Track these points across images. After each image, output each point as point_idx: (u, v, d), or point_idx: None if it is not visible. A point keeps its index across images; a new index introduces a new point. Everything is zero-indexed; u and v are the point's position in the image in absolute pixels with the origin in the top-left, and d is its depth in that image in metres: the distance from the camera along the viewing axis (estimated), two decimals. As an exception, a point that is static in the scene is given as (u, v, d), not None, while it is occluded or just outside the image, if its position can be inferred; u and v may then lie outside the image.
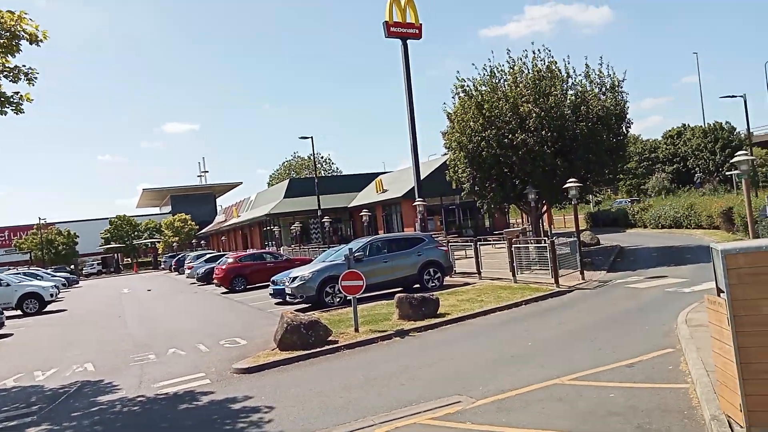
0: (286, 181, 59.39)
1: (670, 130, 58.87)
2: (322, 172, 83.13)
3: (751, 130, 43.01)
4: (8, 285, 24.38)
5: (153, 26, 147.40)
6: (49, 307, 24.95)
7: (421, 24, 30.59)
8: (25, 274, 33.61)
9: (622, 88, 21.51)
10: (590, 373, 7.64)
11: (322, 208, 42.89)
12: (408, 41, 30.30)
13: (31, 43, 10.00)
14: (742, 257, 4.93)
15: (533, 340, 10.11)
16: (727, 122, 54.59)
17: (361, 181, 52.79)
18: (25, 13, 9.75)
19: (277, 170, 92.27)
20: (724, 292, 5.06)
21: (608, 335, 9.83)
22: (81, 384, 10.19)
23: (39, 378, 11.03)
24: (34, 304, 24.18)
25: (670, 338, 9.00)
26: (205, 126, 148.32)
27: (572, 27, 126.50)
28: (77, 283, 49.76)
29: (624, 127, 21.86)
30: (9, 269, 39.76)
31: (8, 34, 9.75)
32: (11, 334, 17.89)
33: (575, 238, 17.64)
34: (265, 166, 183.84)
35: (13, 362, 12.98)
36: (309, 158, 78.24)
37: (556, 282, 15.61)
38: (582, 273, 16.80)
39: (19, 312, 23.65)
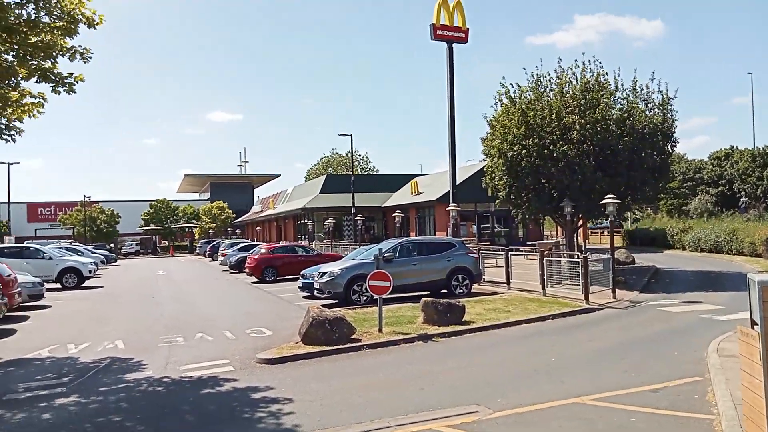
0: (323, 177, 59.89)
1: (717, 152, 57.05)
2: (359, 170, 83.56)
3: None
4: (50, 258, 25.29)
5: (203, 16, 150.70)
6: (87, 283, 25.80)
7: (468, 28, 30.36)
8: (66, 248, 34.79)
9: (671, 105, 21.03)
10: (613, 394, 7.50)
11: (356, 205, 43.10)
12: (454, 45, 30.13)
13: (88, 27, 10.36)
14: (779, 290, 4.78)
15: (558, 355, 9.98)
16: (778, 147, 52.59)
17: (396, 181, 52.86)
18: (85, -3, 10.11)
19: (315, 165, 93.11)
20: (758, 324, 4.92)
21: (635, 357, 9.63)
22: (111, 360, 10.53)
23: (72, 351, 11.44)
24: (73, 278, 25.03)
25: (700, 366, 8.77)
26: (248, 117, 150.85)
27: (623, 39, 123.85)
28: (115, 261, 51.23)
29: (670, 146, 21.36)
30: (53, 242, 41.16)
31: (68, 17, 10.14)
32: (50, 306, 18.59)
33: (609, 256, 17.31)
34: (303, 161, 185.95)
35: (50, 333, 13.50)
36: (347, 155, 78.77)
37: (587, 299, 15.36)
38: (614, 291, 16.49)
39: (58, 285, 24.53)
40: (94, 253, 40.57)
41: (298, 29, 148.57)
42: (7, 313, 14.70)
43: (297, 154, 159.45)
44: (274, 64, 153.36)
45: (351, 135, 43.04)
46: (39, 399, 8.20)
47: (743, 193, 51.50)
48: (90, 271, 26.22)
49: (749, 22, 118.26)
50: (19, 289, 16.76)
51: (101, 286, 25.76)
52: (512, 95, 21.25)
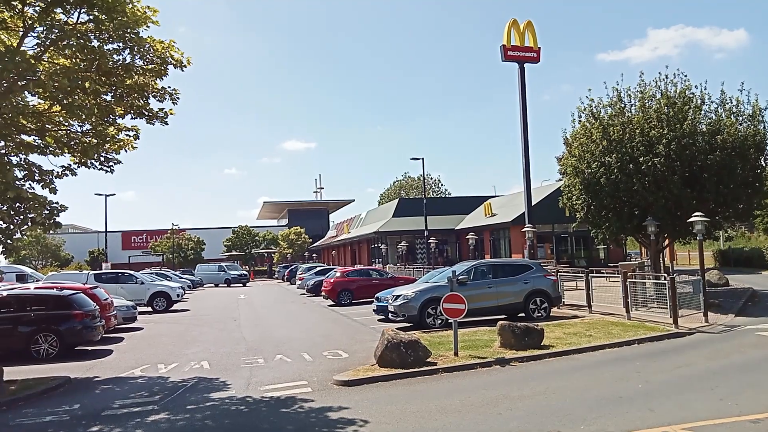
0: (396, 201, 60.41)
1: (821, 163, 52.79)
2: (431, 193, 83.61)
3: None
4: (143, 283, 27.00)
5: (274, 51, 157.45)
6: (174, 307, 27.22)
7: (540, 47, 30.14)
8: (156, 274, 36.90)
9: (763, 116, 19.76)
10: (707, 424, 7.04)
11: (429, 228, 43.06)
12: (525, 65, 29.92)
13: (176, 68, 11.18)
14: None
15: (644, 381, 9.48)
16: None
17: (469, 203, 52.44)
18: (174, 42, 10.92)
19: (388, 189, 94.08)
20: None
21: (731, 385, 8.99)
22: (197, 379, 11.04)
23: (162, 370, 12.09)
24: (162, 302, 26.51)
25: (807, 396, 8.06)
26: (322, 144, 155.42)
27: (702, 51, 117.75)
28: (201, 286, 53.65)
29: (763, 159, 20.02)
30: (150, 270, 43.82)
31: (159, 60, 10.99)
32: (141, 328, 19.74)
33: (699, 277, 16.32)
34: (375, 186, 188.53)
35: (142, 354, 14.33)
36: (419, 179, 79.09)
37: (675, 322, 14.51)
38: (705, 315, 15.49)
39: (149, 308, 26.02)
40: (181, 278, 42.70)
41: (366, 57, 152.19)
42: (104, 335, 15.76)
43: (369, 179, 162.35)
44: (345, 93, 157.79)
45: (422, 159, 43.19)
46: (133, 415, 8.71)
47: None
48: (178, 295, 27.68)
49: None
50: (115, 312, 18.00)
51: (188, 310, 27.03)
52: (594, 110, 20.67)
